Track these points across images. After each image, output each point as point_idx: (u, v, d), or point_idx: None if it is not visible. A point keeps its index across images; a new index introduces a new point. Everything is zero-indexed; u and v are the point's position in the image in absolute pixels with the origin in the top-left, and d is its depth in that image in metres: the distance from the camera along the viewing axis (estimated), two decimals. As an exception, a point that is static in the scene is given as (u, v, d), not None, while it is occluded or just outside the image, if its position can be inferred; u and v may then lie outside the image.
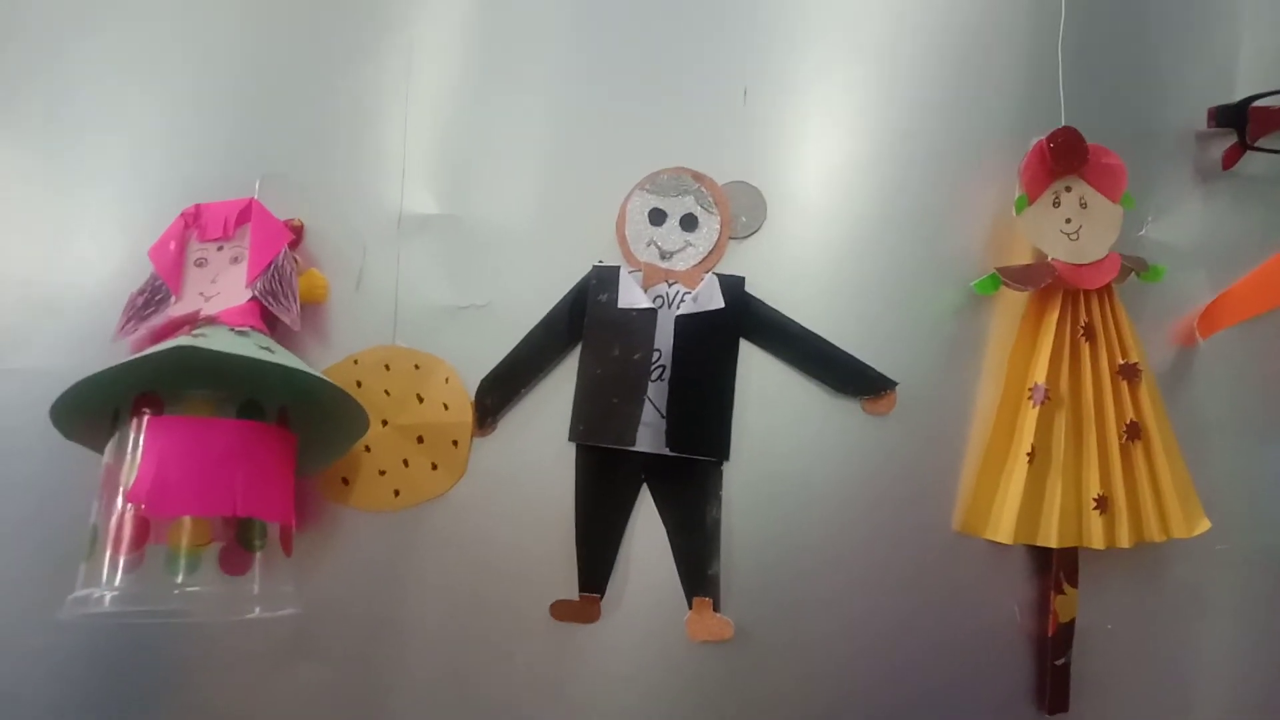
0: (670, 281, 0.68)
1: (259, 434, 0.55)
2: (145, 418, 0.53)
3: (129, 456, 0.53)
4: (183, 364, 0.53)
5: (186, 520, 0.52)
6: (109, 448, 0.55)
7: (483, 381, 0.68)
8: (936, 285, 0.68)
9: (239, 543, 0.53)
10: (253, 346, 0.55)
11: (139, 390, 0.54)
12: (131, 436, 0.54)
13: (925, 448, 0.67)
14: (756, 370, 0.67)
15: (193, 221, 0.65)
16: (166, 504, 0.51)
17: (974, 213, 0.69)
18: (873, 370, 0.66)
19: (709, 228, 0.68)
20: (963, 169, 0.69)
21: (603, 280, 0.68)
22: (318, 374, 0.57)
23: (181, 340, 0.52)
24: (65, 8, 0.73)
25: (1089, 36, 0.69)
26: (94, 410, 0.56)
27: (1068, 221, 0.67)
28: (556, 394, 0.68)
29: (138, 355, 0.52)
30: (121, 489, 0.52)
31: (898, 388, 0.67)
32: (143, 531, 0.51)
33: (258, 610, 0.53)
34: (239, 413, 0.55)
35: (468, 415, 0.67)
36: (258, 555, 0.56)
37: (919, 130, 0.69)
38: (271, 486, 0.55)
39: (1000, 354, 0.68)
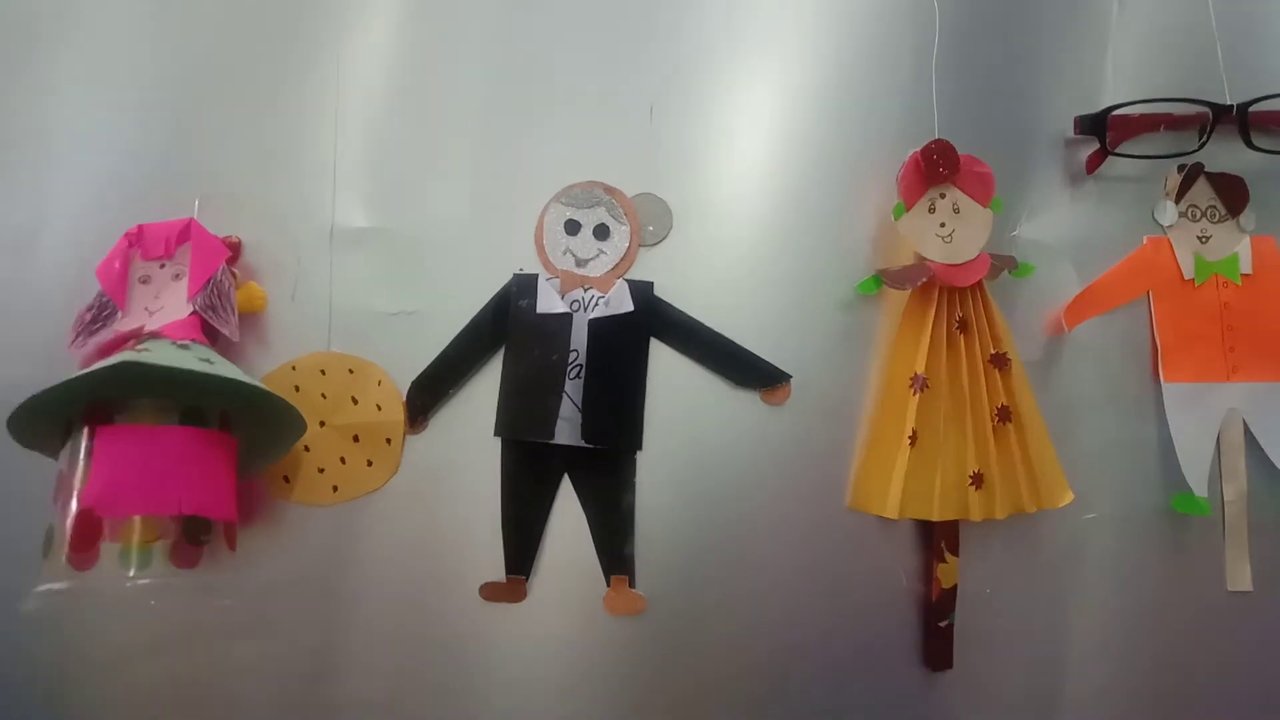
0: (585, 287, 0.74)
1: (201, 438, 0.61)
2: (96, 427, 0.58)
3: (81, 462, 0.58)
4: (129, 377, 0.58)
5: (136, 519, 0.57)
6: (63, 455, 0.60)
7: (413, 383, 0.73)
8: (828, 284, 0.74)
9: (185, 538, 0.58)
10: (193, 359, 0.60)
11: (89, 401, 0.59)
12: (84, 444, 0.58)
13: (819, 433, 0.74)
14: (665, 367, 0.73)
15: (136, 241, 0.70)
16: (117, 505, 0.56)
17: (861, 216, 0.75)
18: (769, 364, 0.73)
19: (620, 236, 0.74)
20: (851, 176, 0.75)
21: (523, 287, 0.73)
22: (255, 383, 0.62)
23: (126, 356, 0.57)
24: (4, 34, 0.76)
25: (962, 50, 0.76)
26: (49, 420, 0.61)
27: (942, 225, 0.73)
28: (483, 393, 0.73)
29: (86, 370, 0.57)
30: (75, 492, 0.57)
31: (792, 380, 0.73)
32: (96, 530, 0.56)
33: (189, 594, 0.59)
34: (181, 419, 0.60)
35: (400, 414, 0.72)
36: (204, 550, 0.61)
37: (811, 141, 0.75)
38: (214, 486, 0.60)
39: (885, 347, 0.75)
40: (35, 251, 0.74)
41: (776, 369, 0.72)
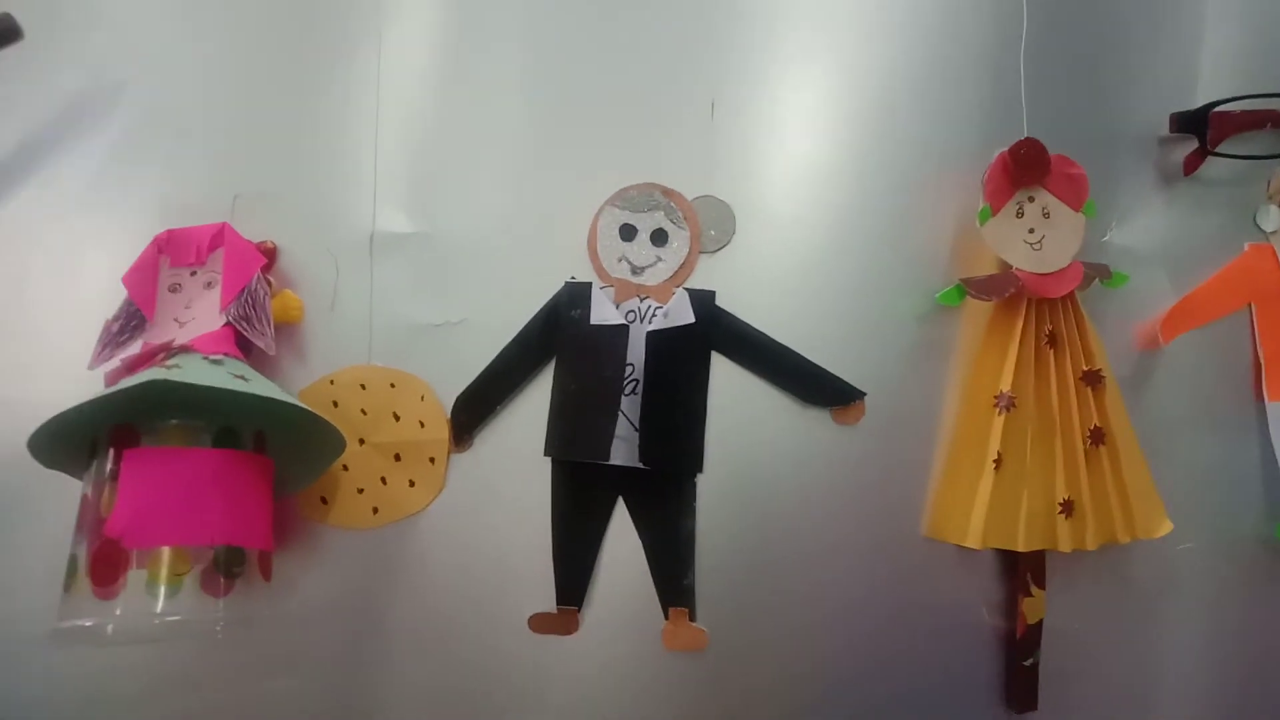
0: (642, 297, 0.69)
1: (235, 461, 0.56)
2: (122, 450, 0.53)
3: (107, 488, 0.53)
4: (157, 396, 0.53)
5: (165, 550, 0.53)
6: (86, 478, 0.56)
7: (458, 398, 0.68)
8: (904, 294, 0.69)
9: (218, 570, 0.54)
10: (227, 376, 0.55)
11: (115, 421, 0.55)
12: (109, 468, 0.54)
13: (894, 455, 0.68)
14: (728, 383, 0.68)
15: (165, 247, 0.66)
16: (144, 535, 0.52)
17: (939, 221, 0.70)
18: (841, 381, 0.67)
19: (679, 242, 0.69)
20: (929, 178, 0.70)
21: (575, 296, 0.68)
22: (292, 400, 0.57)
23: (154, 373, 0.53)
24: (34, 28, 0.72)
25: (1051, 45, 0.70)
26: (72, 441, 0.56)
27: (1031, 231, 0.68)
28: (532, 409, 0.69)
29: (111, 390, 0.52)
30: (98, 520, 0.53)
31: (865, 397, 0.67)
32: (122, 562, 0.52)
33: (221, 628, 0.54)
34: (215, 441, 0.56)
35: (444, 432, 0.68)
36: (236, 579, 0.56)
37: (885, 140, 0.70)
38: (249, 513, 0.56)
39: (966, 362, 0.69)
40: (56, 261, 0.70)
41: (849, 386, 0.67)
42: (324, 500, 0.67)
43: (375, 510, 0.67)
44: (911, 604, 0.68)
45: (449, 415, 0.68)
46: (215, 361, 0.58)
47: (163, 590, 0.53)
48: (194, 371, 0.54)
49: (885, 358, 0.69)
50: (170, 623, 0.52)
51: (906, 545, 0.68)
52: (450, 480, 0.68)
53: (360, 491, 0.68)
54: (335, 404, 0.67)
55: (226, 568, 0.54)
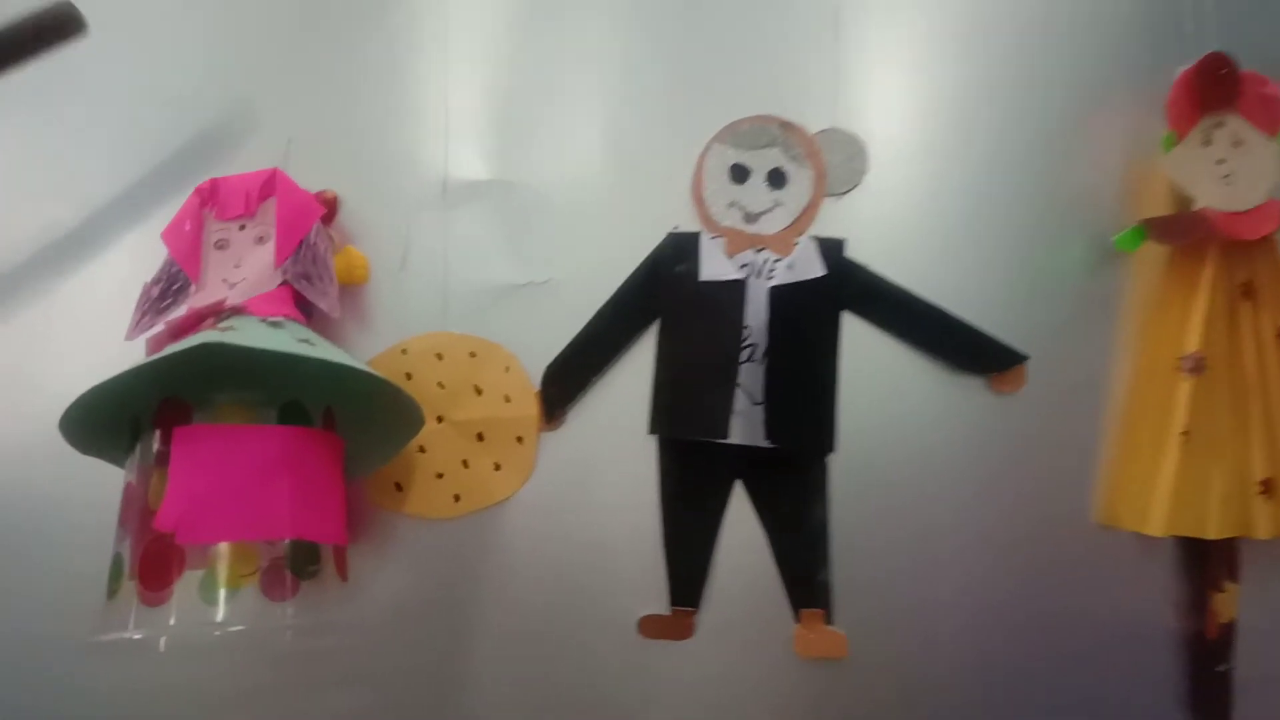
0: (757, 248, 0.59)
1: (304, 441, 0.47)
2: (171, 429, 0.44)
3: (154, 474, 0.44)
4: (211, 363, 0.45)
5: (225, 547, 0.44)
6: (130, 463, 0.47)
7: (548, 369, 0.60)
8: (1068, 240, 0.60)
9: (290, 570, 0.45)
10: (290, 339, 0.46)
11: (162, 396, 0.46)
12: (156, 450, 0.45)
13: (1059, 429, 0.59)
14: (863, 347, 0.59)
15: (209, 198, 0.57)
16: (202, 529, 0.43)
17: (1107, 153, 0.60)
18: (997, 342, 0.58)
19: (800, 184, 0.59)
20: (1094, 103, 0.60)
21: (680, 249, 0.59)
22: (365, 368, 0.48)
23: (207, 336, 0.44)
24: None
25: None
26: (110, 420, 0.48)
27: (1220, 163, 0.57)
28: (632, 381, 0.60)
29: (157, 355, 0.43)
30: (146, 513, 0.44)
31: (1027, 362, 0.57)
32: (175, 562, 0.43)
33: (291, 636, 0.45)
34: (280, 417, 0.47)
35: (533, 408, 0.59)
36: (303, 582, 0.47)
37: (1041, 59, 0.61)
38: (321, 502, 0.47)
39: (1142, 318, 0.59)
40: (82, 217, 0.61)
41: (1008, 348, 0.57)
42: (399, 486, 0.59)
43: (456, 498, 0.59)
44: (1081, 602, 0.58)
45: (538, 388, 0.60)
46: (274, 324, 0.49)
47: (223, 594, 0.44)
48: (252, 334, 0.45)
49: (1048, 315, 0.59)
50: (232, 633, 0.43)
51: (1075, 533, 0.58)
52: (540, 463, 0.60)
53: (439, 476, 0.59)
54: (409, 376, 0.59)
55: (299, 566, 0.45)
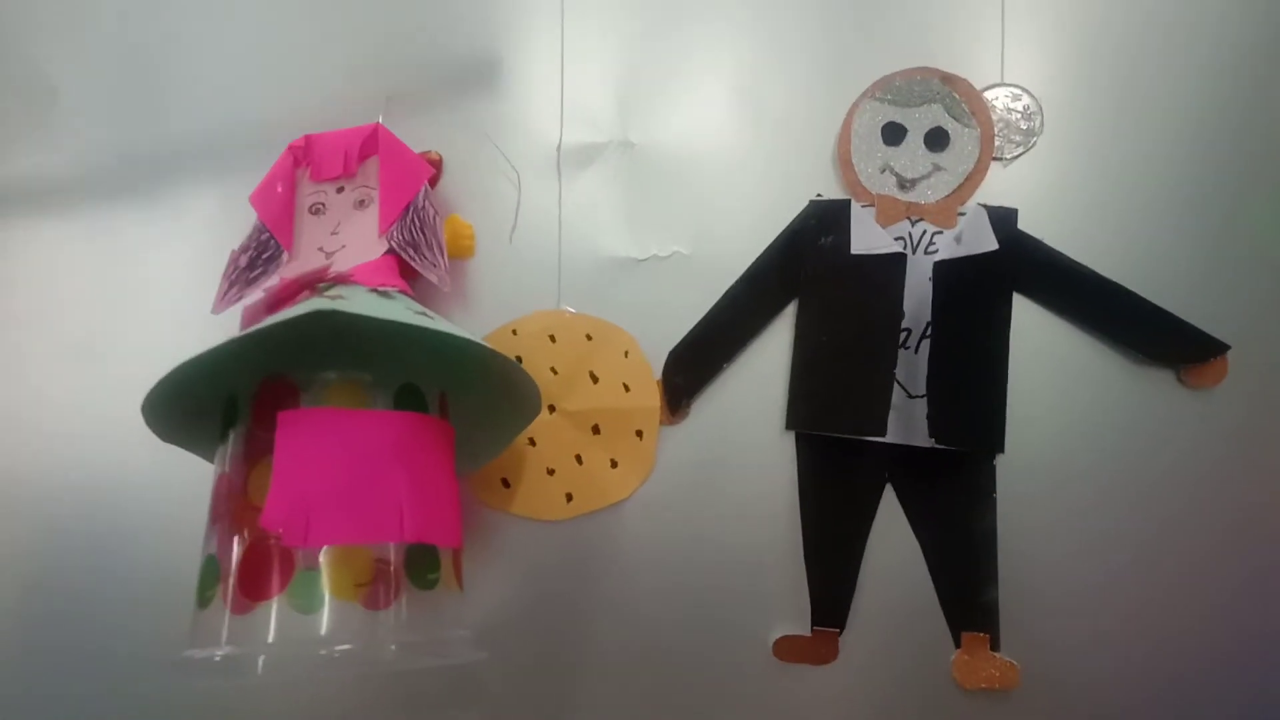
0: (914, 219, 0.52)
1: (423, 429, 0.41)
2: (274, 412, 0.38)
3: (256, 464, 0.38)
4: (316, 337, 0.38)
5: (335, 551, 0.37)
6: (223, 453, 0.41)
7: (671, 355, 0.54)
8: (1271, 210, 0.51)
9: (410, 580, 0.38)
10: (407, 312, 0.40)
11: (263, 374, 0.40)
12: (257, 438, 0.39)
13: (1265, 427, 0.51)
14: (1035, 332, 0.52)
15: (303, 157, 0.51)
16: (314, 529, 0.36)
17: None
18: (1195, 329, 0.50)
19: (965, 145, 0.52)
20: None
21: (826, 219, 0.52)
22: (493, 349, 0.42)
23: (317, 303, 0.37)
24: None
25: None
26: (200, 402, 0.42)
27: None
28: (768, 369, 0.53)
29: (259, 325, 0.37)
30: (246, 510, 0.38)
31: (1229, 352, 0.50)
32: (281, 567, 0.37)
33: (428, 660, 0.39)
34: (396, 401, 0.41)
35: (655, 398, 0.53)
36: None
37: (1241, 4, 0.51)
38: (441, 500, 0.41)
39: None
40: (162, 179, 0.56)
41: (1206, 336, 0.50)
42: (506, 483, 0.53)
43: (569, 497, 0.53)
44: (1287, 631, 0.50)
45: (660, 376, 0.53)
46: (385, 295, 0.42)
47: (328, 607, 0.37)
48: (365, 303, 0.39)
49: (1253, 299, 0.51)
50: (340, 653, 0.36)
51: (1282, 550, 0.50)
52: (662, 460, 0.53)
53: (550, 473, 0.52)
54: (519, 360, 0.52)
55: (418, 574, 0.39)
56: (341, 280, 0.44)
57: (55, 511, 0.55)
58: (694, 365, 0.53)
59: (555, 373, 0.53)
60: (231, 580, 0.38)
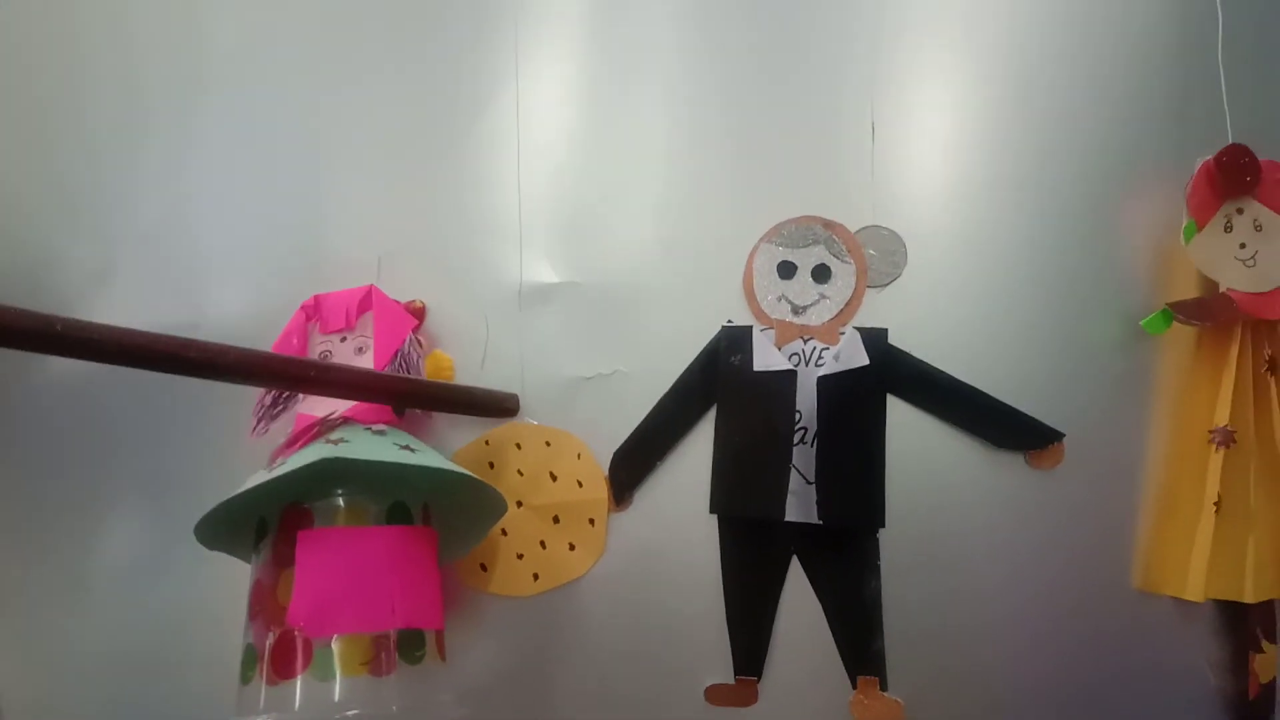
0: (805, 338, 0.64)
1: (408, 538, 0.54)
2: (294, 531, 0.51)
3: (283, 573, 0.51)
4: (327, 471, 0.51)
5: (344, 639, 0.50)
6: (257, 562, 0.54)
7: (615, 455, 0.65)
8: (1099, 322, 0.63)
9: (401, 658, 0.51)
10: (394, 448, 0.53)
11: (285, 501, 0.52)
12: (282, 552, 0.52)
13: (1098, 501, 0.62)
14: (907, 429, 0.63)
15: (313, 313, 0.64)
16: (328, 624, 0.49)
17: (1135, 240, 0.63)
18: (1036, 421, 0.61)
19: (843, 278, 0.64)
20: (1120, 193, 0.64)
21: (734, 341, 0.64)
22: (458, 469, 0.54)
23: (323, 450, 0.50)
24: (180, 91, 0.72)
25: (1251, 42, 0.63)
26: (236, 522, 0.54)
27: (1242, 247, 0.61)
28: (693, 464, 0.65)
29: (284, 471, 0.50)
30: (277, 608, 0.50)
31: (1064, 438, 0.61)
32: (303, 651, 0.49)
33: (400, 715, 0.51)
34: (387, 517, 0.53)
35: (603, 491, 0.64)
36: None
37: (1067, 153, 0.64)
38: (425, 591, 0.53)
39: (1174, 394, 0.62)
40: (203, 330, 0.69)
41: (1047, 427, 0.61)
42: (483, 567, 0.64)
43: (535, 576, 0.64)
44: (1125, 666, 0.61)
45: (607, 473, 0.64)
46: (378, 432, 0.55)
47: (339, 680, 0.49)
48: (362, 446, 0.52)
49: (1083, 393, 0.62)
50: (352, 715, 0.48)
51: (1117, 600, 0.61)
52: (611, 542, 0.65)
53: (520, 557, 0.64)
54: (491, 465, 0.65)
55: (407, 652, 0.51)
56: (343, 421, 0.57)
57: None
58: (634, 462, 0.65)
59: (521, 474, 0.65)
60: (266, 662, 0.50)
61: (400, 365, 0.61)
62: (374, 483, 0.53)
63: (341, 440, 0.52)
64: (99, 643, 0.68)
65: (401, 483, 0.54)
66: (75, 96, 0.74)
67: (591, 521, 0.64)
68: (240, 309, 0.69)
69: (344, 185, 0.69)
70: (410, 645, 0.52)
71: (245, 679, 0.51)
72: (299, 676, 0.50)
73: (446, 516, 0.59)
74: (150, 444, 0.69)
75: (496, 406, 0.62)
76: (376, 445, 0.53)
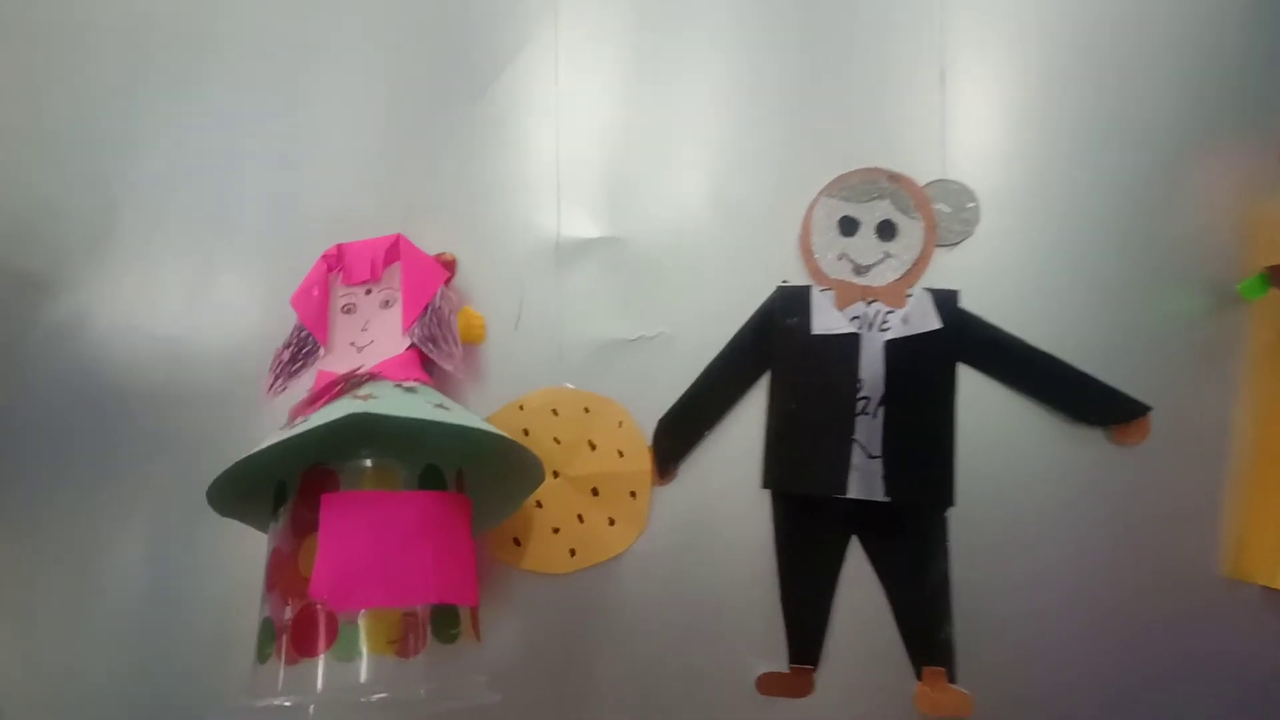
0: (868, 300, 0.59)
1: (443, 505, 0.48)
2: (316, 496, 0.46)
3: (304, 541, 0.46)
4: (351, 431, 0.46)
5: (371, 614, 0.45)
6: (275, 530, 0.49)
7: (660, 423, 0.60)
8: (1187, 287, 0.58)
9: (435, 636, 0.46)
10: (427, 405, 0.48)
11: (307, 463, 0.47)
12: (303, 517, 0.47)
13: (1183, 480, 0.57)
14: (979, 399, 0.58)
15: (336, 264, 0.59)
16: (355, 596, 0.44)
17: (1222, 200, 0.58)
18: (1119, 393, 0.57)
19: (911, 235, 0.59)
20: (1208, 146, 0.59)
21: (790, 302, 0.59)
22: (501, 433, 0.49)
23: (352, 405, 0.45)
24: (197, 34, 0.67)
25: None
26: (254, 486, 0.49)
27: (1348, 205, 0.56)
28: (744, 435, 0.60)
29: (305, 426, 0.45)
30: (297, 580, 0.45)
31: (1150, 413, 0.56)
32: (324, 628, 0.44)
33: (452, 703, 0.46)
34: (421, 481, 0.48)
35: (646, 462, 0.59)
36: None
37: (1150, 107, 0.59)
38: (460, 564, 0.48)
39: (1268, 365, 0.57)
40: (216, 284, 0.64)
41: (1130, 399, 0.56)
42: (517, 541, 0.59)
43: (572, 552, 0.59)
44: (1210, 658, 0.57)
45: (650, 443, 0.59)
46: (409, 389, 0.50)
47: (365, 659, 0.44)
48: (393, 402, 0.46)
49: (1170, 364, 0.57)
50: (378, 699, 0.43)
51: (1202, 588, 0.57)
52: (654, 517, 0.60)
53: (556, 531, 0.59)
54: (526, 432, 0.60)
55: (441, 630, 0.46)
56: (371, 377, 0.52)
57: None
58: (680, 432, 0.60)
59: (558, 442, 0.60)
60: (285, 639, 0.45)
61: (432, 320, 0.56)
62: (404, 444, 0.48)
63: (370, 396, 0.47)
64: (99, 614, 0.63)
65: (434, 445, 0.49)
66: (76, 37, 0.69)
67: (633, 494, 0.59)
68: (254, 260, 0.63)
69: (367, 130, 0.64)
70: (444, 622, 0.47)
71: (262, 656, 0.46)
72: (321, 655, 0.44)
73: (479, 484, 0.54)
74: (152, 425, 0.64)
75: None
76: (409, 402, 0.47)
